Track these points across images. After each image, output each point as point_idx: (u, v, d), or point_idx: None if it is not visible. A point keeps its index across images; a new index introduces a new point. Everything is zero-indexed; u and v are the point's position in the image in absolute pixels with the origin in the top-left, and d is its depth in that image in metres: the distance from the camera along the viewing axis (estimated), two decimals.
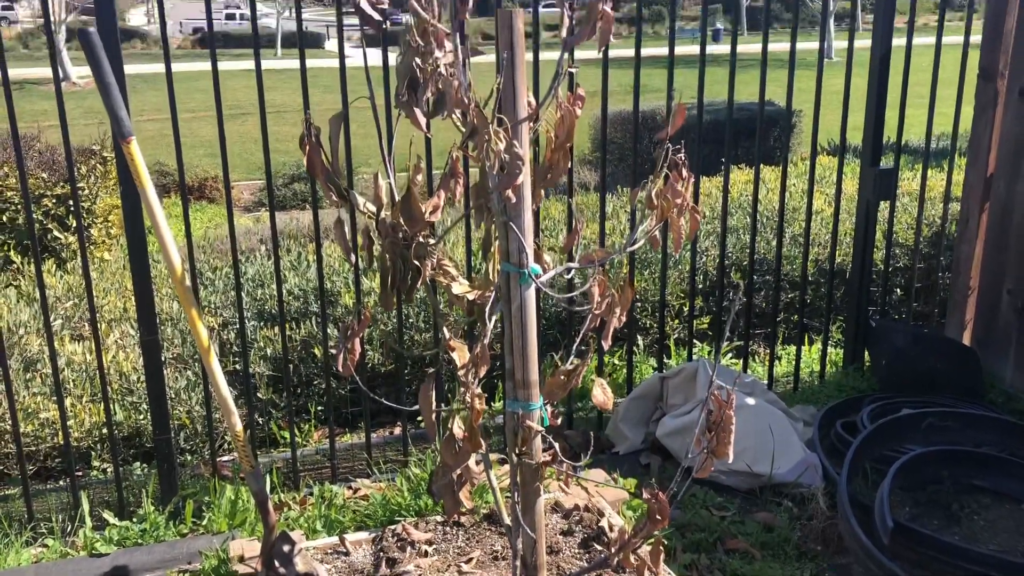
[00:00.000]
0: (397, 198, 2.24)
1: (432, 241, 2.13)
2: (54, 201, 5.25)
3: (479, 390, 2.12)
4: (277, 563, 2.41)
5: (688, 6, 52.80)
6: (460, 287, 2.25)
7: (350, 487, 3.10)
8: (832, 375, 3.85)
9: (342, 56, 3.01)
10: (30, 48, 38.00)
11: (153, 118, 20.14)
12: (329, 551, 2.53)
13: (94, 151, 5.90)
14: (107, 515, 2.83)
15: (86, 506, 2.84)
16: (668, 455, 3.31)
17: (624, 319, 2.25)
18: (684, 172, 2.27)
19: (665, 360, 3.85)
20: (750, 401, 3.29)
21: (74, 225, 5.39)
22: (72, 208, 5.35)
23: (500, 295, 2.15)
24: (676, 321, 4.11)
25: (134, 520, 2.82)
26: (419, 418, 3.60)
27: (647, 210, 2.25)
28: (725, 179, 3.61)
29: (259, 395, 3.60)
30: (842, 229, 4.60)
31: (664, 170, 2.25)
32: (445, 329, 2.30)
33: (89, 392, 3.45)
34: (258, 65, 2.88)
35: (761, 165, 7.32)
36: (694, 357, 3.83)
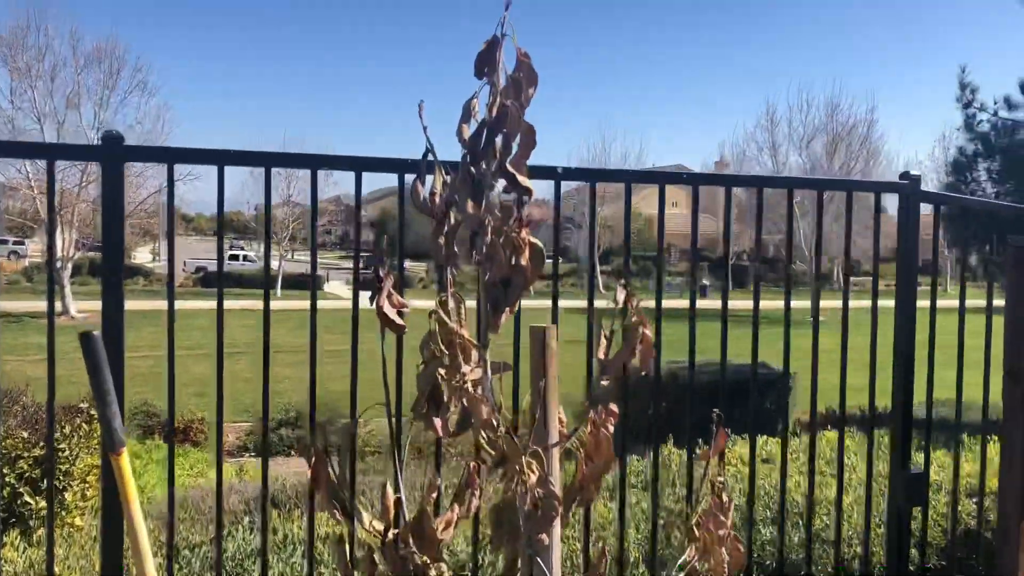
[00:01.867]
0: (407, 516, 2.01)
1: (446, 572, 1.88)
2: (31, 463, 4.96)
3: None
4: None
5: (675, 262, 54.99)
6: None
7: None
8: None
9: (355, 336, 2.87)
10: (33, 282, 38.85)
11: (147, 355, 20.14)
12: None
13: (81, 408, 5.69)
14: None
15: None
16: None
17: None
18: (725, 497, 2.07)
19: None
20: None
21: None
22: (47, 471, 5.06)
23: None
24: None
25: None
26: None
27: (688, 541, 2.02)
28: (752, 469, 3.38)
29: None
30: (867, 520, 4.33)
31: (707, 493, 2.05)
32: None
33: None
34: (266, 309, 2.73)
35: (759, 435, 7.07)
36: None
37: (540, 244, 1.75)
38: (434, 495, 1.93)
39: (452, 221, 1.77)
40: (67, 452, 5.26)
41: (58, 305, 28.50)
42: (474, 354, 1.87)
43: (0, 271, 40.91)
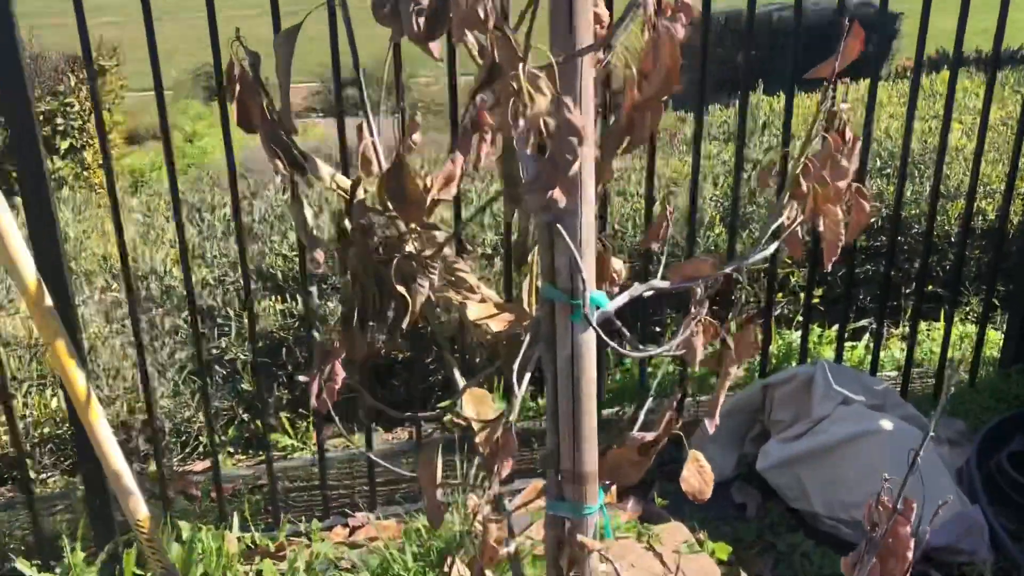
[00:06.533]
0: (384, 164, 1.43)
1: (428, 251, 1.31)
2: (40, 118, 4.47)
3: (496, 490, 1.34)
4: None
5: None
6: (478, 308, 1.44)
7: (346, 524, 2.38)
8: (986, 376, 2.95)
9: None
10: None
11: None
12: None
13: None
14: (20, 564, 2.15)
15: None
16: (769, 487, 2.51)
17: (741, 371, 1.42)
18: (848, 133, 1.40)
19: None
20: (886, 425, 2.44)
21: (64, 147, 4.66)
22: (60, 128, 4.61)
23: (540, 334, 1.34)
24: (780, 295, 3.24)
25: (57, 572, 2.14)
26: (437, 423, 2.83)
27: (789, 198, 1.39)
28: (869, 109, 2.63)
29: (244, 385, 2.86)
30: (992, 173, 3.64)
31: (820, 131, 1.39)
32: (456, 373, 1.51)
33: (36, 376, 2.76)
34: None
35: (857, 80, 6.18)
36: (809, 347, 2.95)
37: None
38: (415, 136, 1.30)
39: None
40: (77, 107, 4.78)
41: None
42: None
43: None
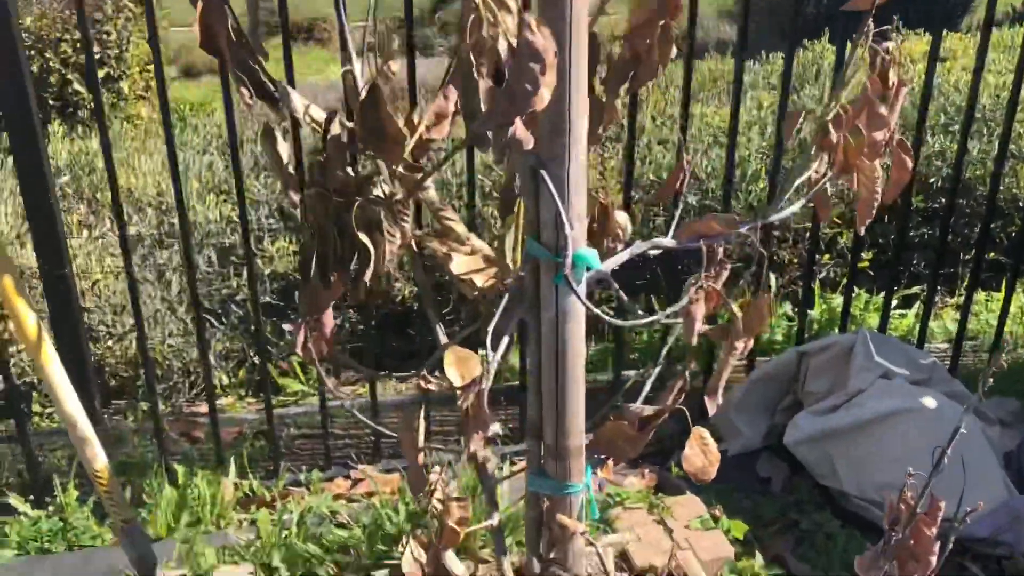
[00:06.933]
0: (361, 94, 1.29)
1: (398, 194, 1.17)
2: (76, 46, 4.38)
3: (478, 451, 1.23)
4: None
5: None
6: (465, 261, 1.30)
7: (348, 475, 2.29)
8: None
9: None
10: None
11: None
12: None
13: None
14: (14, 500, 2.10)
15: None
16: (797, 461, 2.35)
17: (751, 345, 1.27)
18: (892, 77, 1.22)
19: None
20: (928, 402, 2.25)
21: (100, 76, 4.59)
22: (96, 56, 4.54)
23: (522, 293, 1.20)
24: (827, 256, 3.03)
25: (50, 509, 2.09)
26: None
27: (816, 149, 1.22)
28: (932, 58, 2.40)
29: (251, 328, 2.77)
30: None
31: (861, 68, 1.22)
32: (440, 330, 1.38)
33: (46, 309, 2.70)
34: None
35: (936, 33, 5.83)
36: (855, 314, 2.75)
37: None
38: (395, 65, 1.16)
39: None
40: (114, 35, 4.68)
41: None
42: None
43: None
